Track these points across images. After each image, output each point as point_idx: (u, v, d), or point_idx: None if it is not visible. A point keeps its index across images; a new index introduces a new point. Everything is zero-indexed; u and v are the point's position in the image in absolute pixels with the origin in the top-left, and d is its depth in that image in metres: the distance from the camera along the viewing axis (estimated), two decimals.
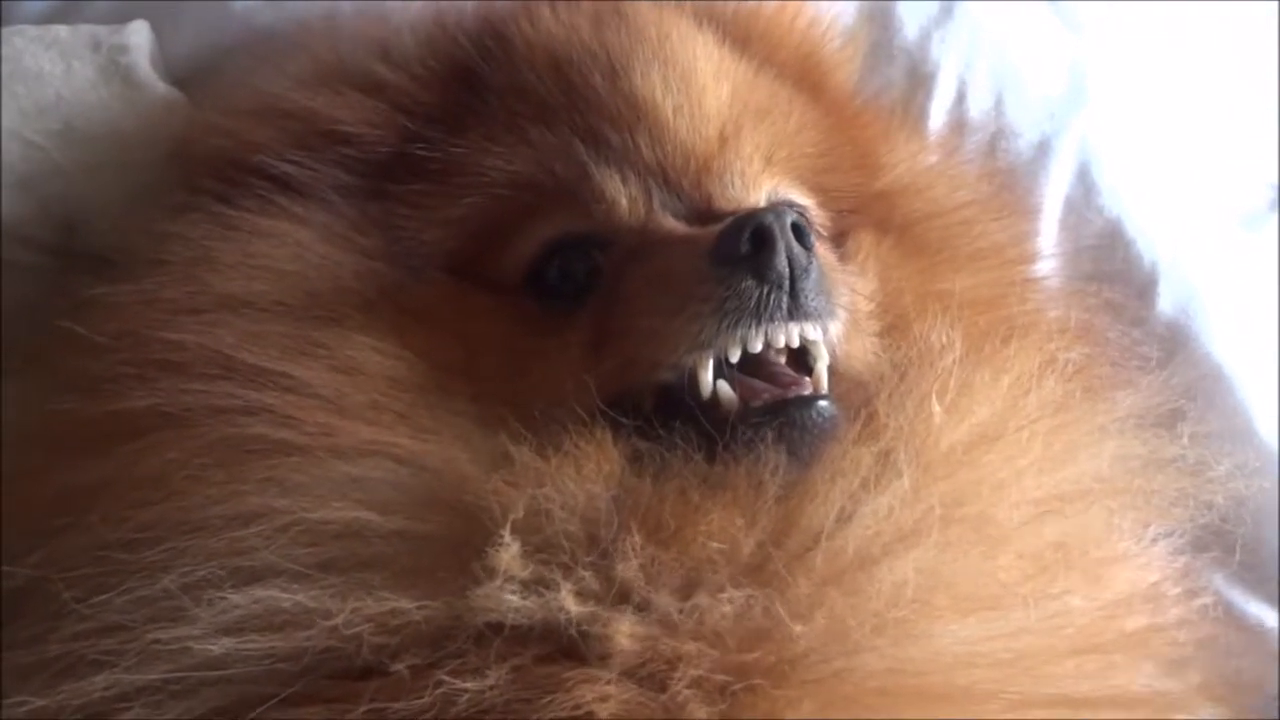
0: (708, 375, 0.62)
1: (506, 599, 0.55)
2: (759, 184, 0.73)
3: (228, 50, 0.87)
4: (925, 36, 0.99)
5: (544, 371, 0.66)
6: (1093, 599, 0.65)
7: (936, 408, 0.64)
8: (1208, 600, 0.80)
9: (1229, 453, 0.79)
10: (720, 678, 0.55)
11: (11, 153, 0.76)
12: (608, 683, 0.54)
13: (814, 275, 0.63)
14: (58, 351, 0.68)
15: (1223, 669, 0.76)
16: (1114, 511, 0.69)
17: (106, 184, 0.78)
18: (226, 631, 0.56)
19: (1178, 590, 0.74)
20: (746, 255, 0.62)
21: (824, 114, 0.82)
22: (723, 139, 0.72)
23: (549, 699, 0.54)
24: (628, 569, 0.57)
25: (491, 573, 0.56)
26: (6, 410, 0.70)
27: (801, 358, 0.65)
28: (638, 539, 0.57)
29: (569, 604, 0.56)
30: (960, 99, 0.99)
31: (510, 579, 0.56)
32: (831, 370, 0.66)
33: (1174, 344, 0.95)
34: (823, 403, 0.63)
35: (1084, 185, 0.99)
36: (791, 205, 0.71)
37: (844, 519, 0.59)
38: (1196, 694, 0.71)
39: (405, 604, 0.56)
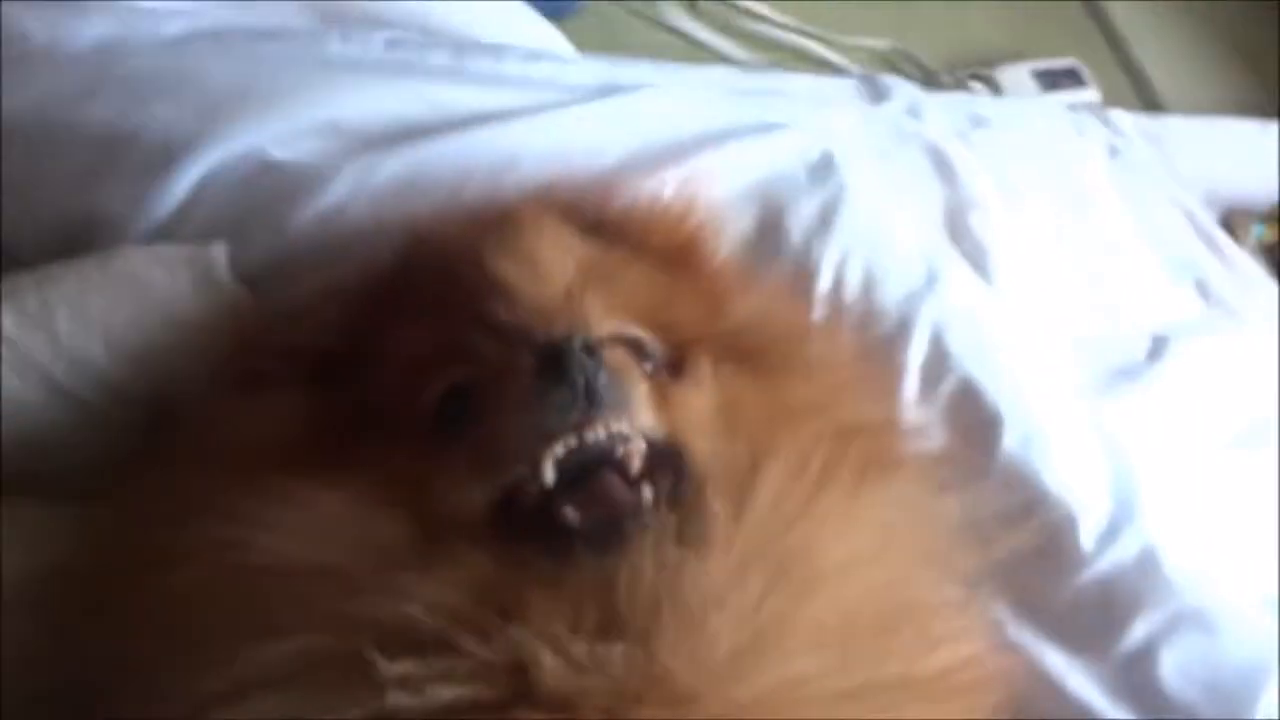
0: (548, 467, 0.78)
1: (401, 701, 0.67)
2: (603, 326, 0.86)
3: (282, 262, 1.14)
4: (807, 241, 1.26)
5: (440, 486, 0.82)
6: (915, 646, 0.79)
7: (717, 500, 0.80)
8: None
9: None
10: (617, 712, 0.68)
11: (129, 338, 0.99)
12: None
13: (603, 377, 0.78)
14: (129, 492, 0.90)
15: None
16: (916, 564, 0.86)
17: (191, 364, 1.02)
18: None
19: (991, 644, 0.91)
20: (552, 369, 0.79)
21: (671, 275, 1.00)
22: (568, 296, 0.89)
23: None
24: (513, 642, 0.70)
25: (382, 683, 0.68)
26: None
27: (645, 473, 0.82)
28: (514, 622, 0.70)
29: (444, 693, 0.68)
30: (837, 286, 1.25)
31: (399, 683, 0.68)
32: (671, 455, 0.84)
33: (1010, 473, 1.17)
34: (642, 515, 0.77)
35: (938, 350, 1.23)
36: (622, 336, 0.87)
37: (691, 582, 0.73)
38: None
39: (349, 711, 0.67)
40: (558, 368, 0.80)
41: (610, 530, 0.78)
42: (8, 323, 1.00)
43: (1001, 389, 1.23)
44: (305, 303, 1.03)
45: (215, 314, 1.06)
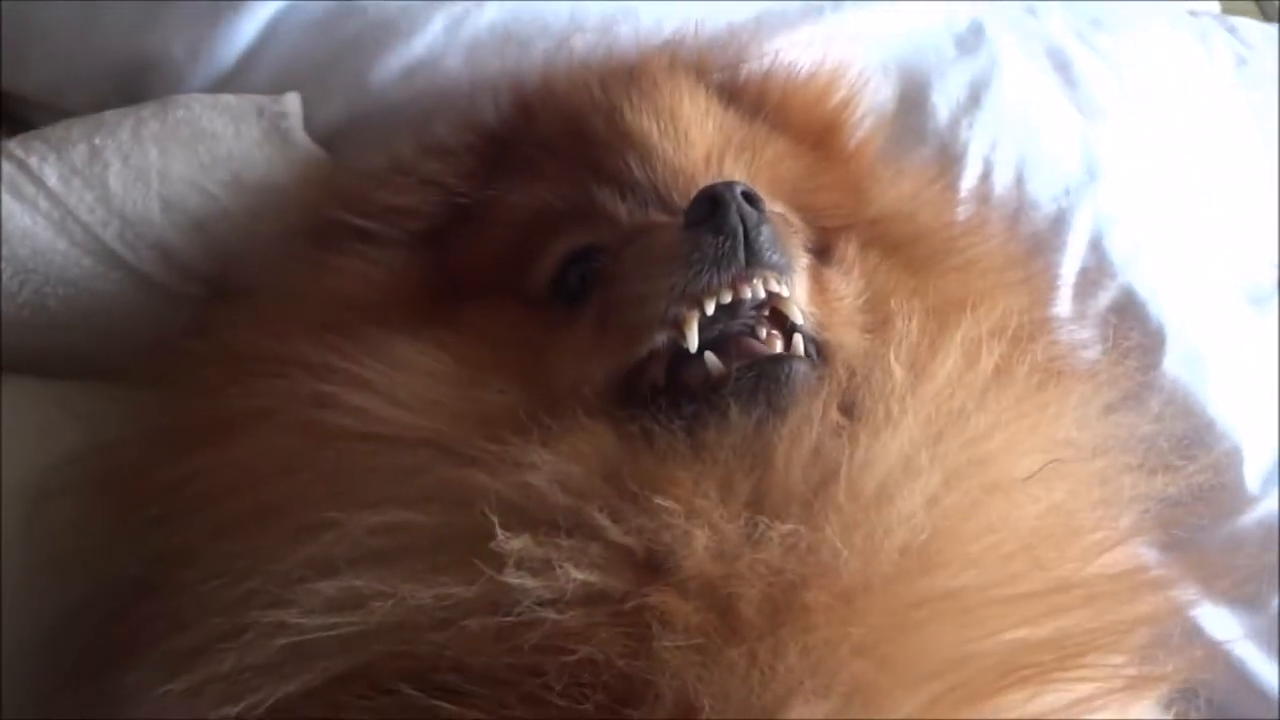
0: (693, 330, 0.70)
1: (522, 582, 0.61)
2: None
3: (364, 120, 1.02)
4: (955, 121, 1.12)
5: (559, 360, 0.76)
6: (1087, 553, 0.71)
7: (898, 368, 0.71)
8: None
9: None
10: (778, 599, 0.61)
11: (189, 198, 0.90)
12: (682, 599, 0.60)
13: (766, 231, 0.71)
14: (183, 365, 0.81)
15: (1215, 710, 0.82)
16: (1087, 485, 0.75)
17: (262, 226, 0.92)
18: (319, 612, 0.62)
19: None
20: (706, 217, 0.71)
21: (814, 153, 0.92)
22: (708, 161, 0.84)
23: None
24: (648, 522, 0.62)
25: (502, 558, 0.61)
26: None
27: (786, 333, 0.74)
28: (651, 499, 0.63)
29: (574, 574, 0.61)
30: (986, 176, 1.11)
31: (518, 561, 0.61)
32: (822, 349, 0.75)
33: (1174, 396, 1.05)
34: (797, 361, 0.70)
35: (1097, 255, 1.10)
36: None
37: (863, 459, 0.65)
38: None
39: (453, 589, 0.61)
40: (714, 214, 0.71)
41: (763, 380, 0.68)
42: (53, 175, 0.87)
43: (1166, 303, 1.10)
44: (406, 160, 0.92)
45: (289, 174, 0.94)
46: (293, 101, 0.96)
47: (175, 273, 0.91)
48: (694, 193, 0.75)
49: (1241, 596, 1.00)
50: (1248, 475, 1.04)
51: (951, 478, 0.67)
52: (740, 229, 0.70)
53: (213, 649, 0.63)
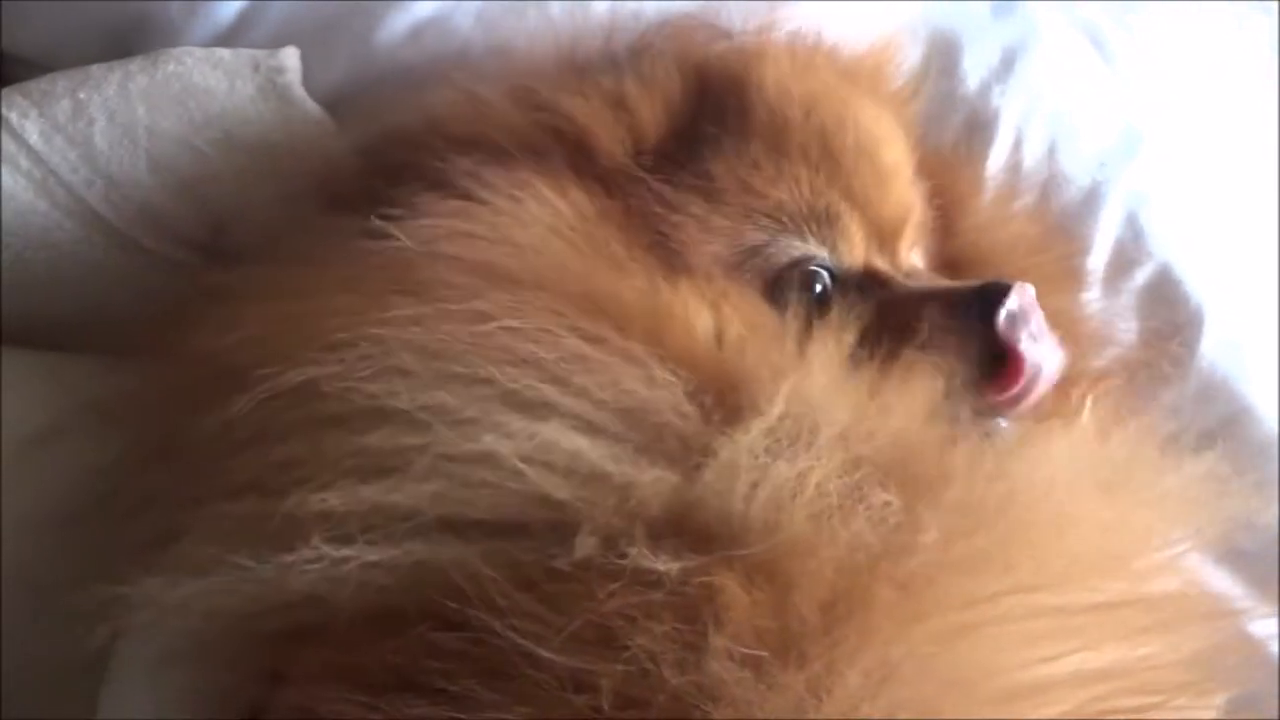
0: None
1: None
2: (910, 253, 0.88)
3: (371, 81, 0.97)
4: (986, 89, 1.07)
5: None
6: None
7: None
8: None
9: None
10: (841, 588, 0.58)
11: (179, 158, 0.85)
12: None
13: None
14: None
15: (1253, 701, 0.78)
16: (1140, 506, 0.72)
17: (258, 189, 0.87)
18: (521, 457, 0.60)
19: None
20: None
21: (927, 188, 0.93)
22: (908, 217, 0.88)
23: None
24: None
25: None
26: None
27: None
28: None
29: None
30: (1017, 146, 1.06)
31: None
32: None
33: (1213, 382, 1.01)
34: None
35: (1133, 230, 1.05)
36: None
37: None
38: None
39: (655, 477, 0.60)
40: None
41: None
42: (34, 132, 0.82)
43: (1204, 284, 1.05)
44: (610, 88, 0.86)
45: (286, 132, 0.89)
46: (291, 56, 0.91)
47: (164, 237, 0.87)
48: (891, 246, 0.86)
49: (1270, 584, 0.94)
50: None
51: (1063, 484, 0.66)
52: None
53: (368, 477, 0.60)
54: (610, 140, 0.82)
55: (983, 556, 0.60)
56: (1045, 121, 1.07)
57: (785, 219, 0.82)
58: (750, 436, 0.62)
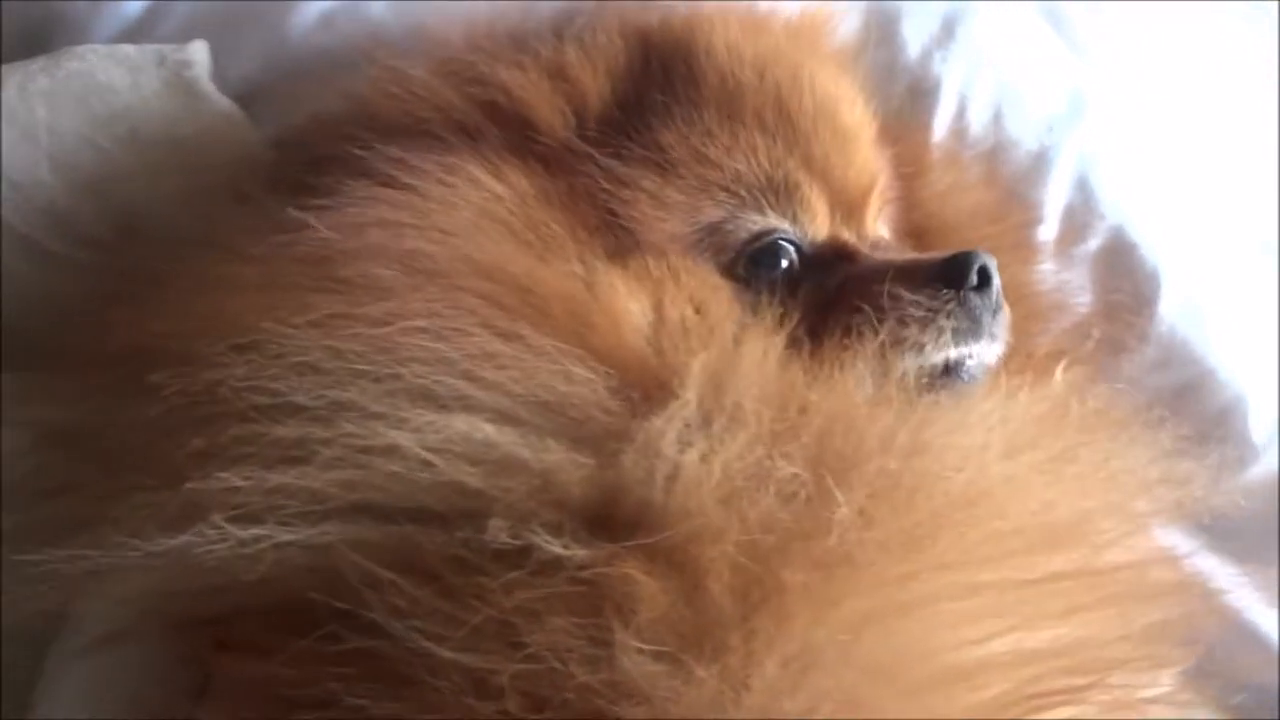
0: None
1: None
2: (876, 223, 0.86)
3: (286, 72, 0.94)
4: (927, 55, 1.04)
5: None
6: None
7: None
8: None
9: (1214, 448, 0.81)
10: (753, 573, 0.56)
11: (82, 156, 0.83)
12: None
13: (1001, 311, 0.78)
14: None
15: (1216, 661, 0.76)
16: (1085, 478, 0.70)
17: (167, 185, 0.84)
18: (427, 447, 0.59)
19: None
20: (973, 285, 0.76)
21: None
22: (873, 180, 0.86)
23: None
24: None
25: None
26: None
27: None
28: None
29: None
30: (961, 113, 1.03)
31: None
32: None
33: (1173, 346, 0.99)
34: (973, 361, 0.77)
35: (1083, 193, 1.02)
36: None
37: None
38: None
39: (573, 461, 0.59)
40: (986, 284, 0.77)
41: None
42: None
43: (1161, 246, 1.02)
44: (549, 60, 0.83)
45: (194, 128, 0.86)
46: (198, 50, 0.88)
47: (68, 238, 0.83)
48: (857, 215, 0.83)
49: (1250, 554, 0.93)
50: (1253, 426, 0.98)
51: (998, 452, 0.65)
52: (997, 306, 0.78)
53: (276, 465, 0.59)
54: (550, 113, 0.79)
55: (903, 534, 0.58)
56: (989, 87, 1.05)
57: (743, 191, 0.79)
58: (666, 422, 0.60)
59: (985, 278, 0.77)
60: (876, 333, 0.72)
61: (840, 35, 0.98)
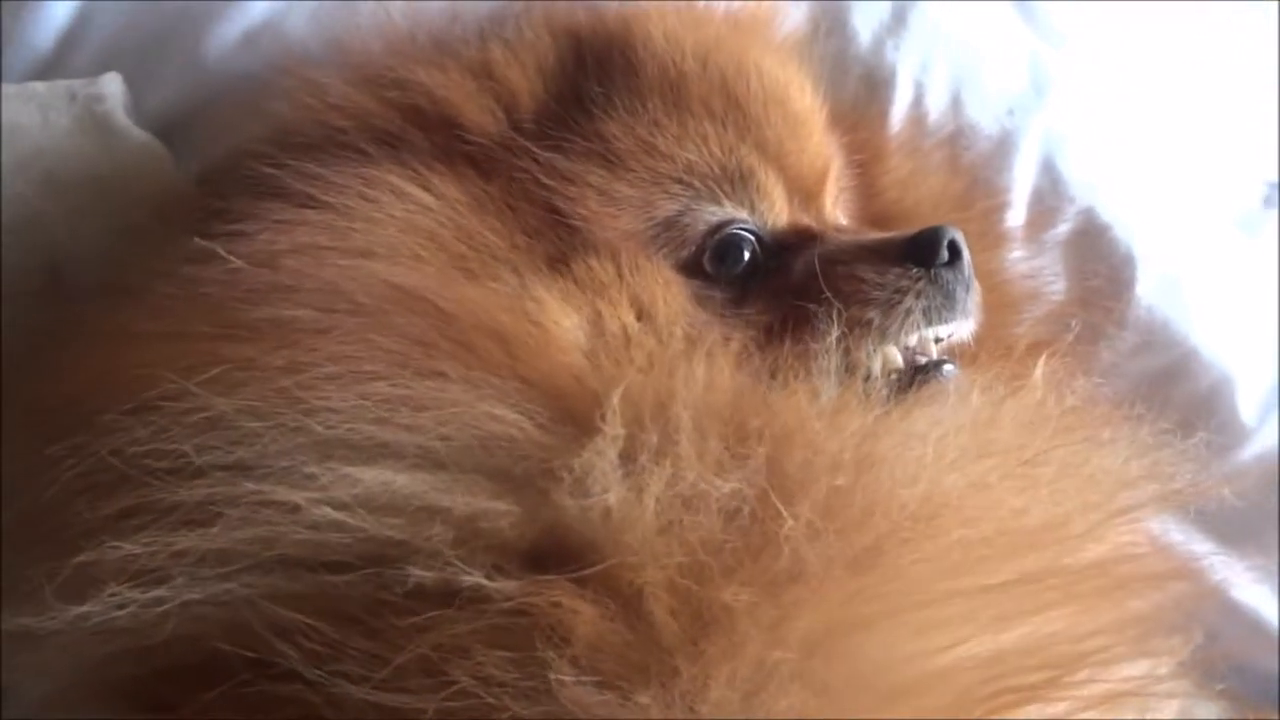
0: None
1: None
2: (834, 209, 0.84)
3: (205, 99, 0.90)
4: (879, 44, 1.00)
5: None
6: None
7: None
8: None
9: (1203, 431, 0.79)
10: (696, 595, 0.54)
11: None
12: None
13: (974, 286, 0.76)
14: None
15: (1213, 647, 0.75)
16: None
17: (89, 225, 0.80)
18: (337, 505, 0.56)
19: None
20: (944, 261, 0.74)
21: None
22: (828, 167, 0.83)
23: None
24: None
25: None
26: None
27: None
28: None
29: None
30: (918, 101, 0.99)
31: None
32: None
33: (1153, 328, 0.96)
34: (949, 365, 0.74)
35: (1050, 176, 0.99)
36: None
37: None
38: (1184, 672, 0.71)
39: (500, 507, 0.56)
40: (957, 259, 0.76)
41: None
42: None
43: (1134, 227, 0.98)
44: (475, 60, 0.79)
45: (111, 165, 0.82)
46: (111, 82, 0.84)
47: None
48: (814, 200, 0.80)
49: (1244, 538, 0.91)
50: (1241, 406, 0.95)
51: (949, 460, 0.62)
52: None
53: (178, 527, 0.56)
54: (478, 112, 0.75)
55: (858, 549, 0.56)
56: (946, 72, 1.01)
57: (697, 182, 0.76)
58: (595, 456, 0.57)
59: (956, 252, 0.75)
60: (837, 326, 0.69)
61: (787, 28, 0.94)
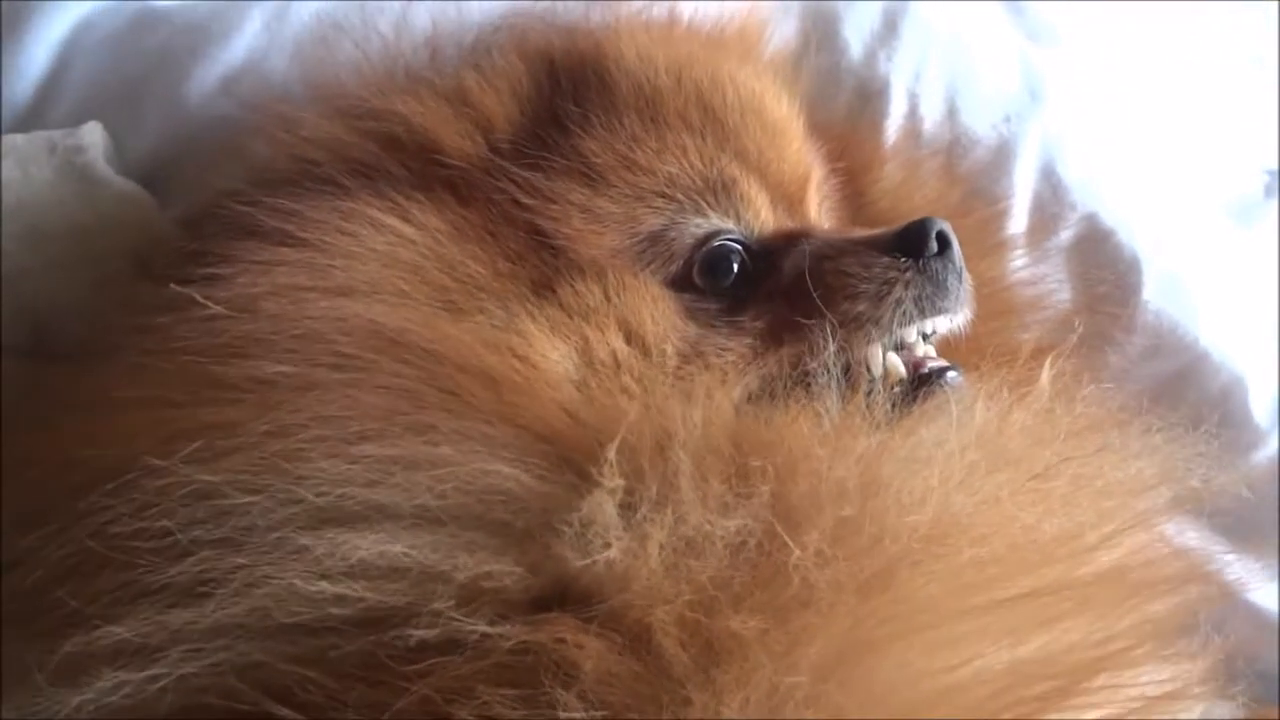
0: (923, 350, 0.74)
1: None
2: (819, 216, 0.83)
3: (188, 142, 0.88)
4: (871, 55, 0.99)
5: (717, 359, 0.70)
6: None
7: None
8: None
9: (1216, 433, 0.77)
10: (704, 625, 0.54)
11: None
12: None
13: (965, 275, 0.75)
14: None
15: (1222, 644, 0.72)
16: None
17: (73, 278, 0.78)
18: (334, 577, 0.55)
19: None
20: (933, 252, 0.73)
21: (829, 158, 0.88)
22: (809, 174, 0.82)
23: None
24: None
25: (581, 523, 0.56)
26: None
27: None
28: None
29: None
30: (912, 111, 0.98)
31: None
32: None
33: (1160, 332, 0.94)
34: (952, 372, 0.73)
35: (1050, 183, 0.97)
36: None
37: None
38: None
39: (502, 568, 0.55)
40: (947, 249, 0.75)
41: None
42: None
43: (1137, 230, 0.97)
44: (452, 88, 0.79)
45: (94, 215, 0.80)
46: (92, 132, 0.83)
47: None
48: (798, 206, 0.80)
49: (1258, 540, 0.90)
50: (1254, 407, 0.93)
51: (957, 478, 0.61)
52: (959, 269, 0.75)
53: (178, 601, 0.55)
54: (455, 136, 0.74)
55: (867, 573, 0.55)
56: (940, 79, 0.99)
57: (680, 195, 0.75)
58: (595, 509, 0.56)
59: (945, 242, 0.74)
60: (834, 341, 0.69)
61: (767, 43, 0.93)
